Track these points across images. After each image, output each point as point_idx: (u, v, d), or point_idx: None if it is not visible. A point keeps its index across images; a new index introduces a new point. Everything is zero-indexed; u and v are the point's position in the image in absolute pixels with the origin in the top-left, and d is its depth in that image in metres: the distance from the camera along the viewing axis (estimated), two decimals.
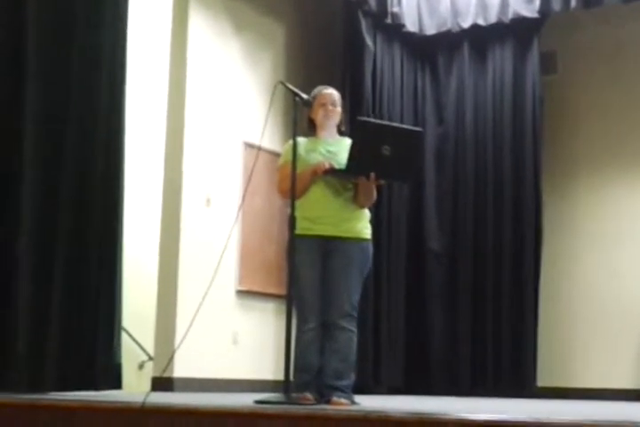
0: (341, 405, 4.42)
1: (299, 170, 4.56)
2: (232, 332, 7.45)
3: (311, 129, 4.83)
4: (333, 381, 4.56)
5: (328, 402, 4.49)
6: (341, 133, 4.85)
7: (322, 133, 4.81)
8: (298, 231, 4.55)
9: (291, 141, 4.74)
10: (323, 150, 4.73)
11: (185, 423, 3.54)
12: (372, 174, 4.52)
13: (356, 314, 4.67)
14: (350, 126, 4.90)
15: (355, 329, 4.66)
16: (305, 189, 4.62)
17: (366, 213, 4.79)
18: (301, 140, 4.71)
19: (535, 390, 8.06)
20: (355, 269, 4.66)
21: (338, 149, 4.72)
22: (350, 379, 4.62)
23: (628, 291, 8.42)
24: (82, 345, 5.01)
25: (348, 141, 4.67)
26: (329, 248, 4.66)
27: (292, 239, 4.51)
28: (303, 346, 4.57)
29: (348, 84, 8.09)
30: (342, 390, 4.55)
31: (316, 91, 4.85)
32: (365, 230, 4.74)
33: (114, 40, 5.32)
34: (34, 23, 4.95)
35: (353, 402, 4.56)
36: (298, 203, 4.58)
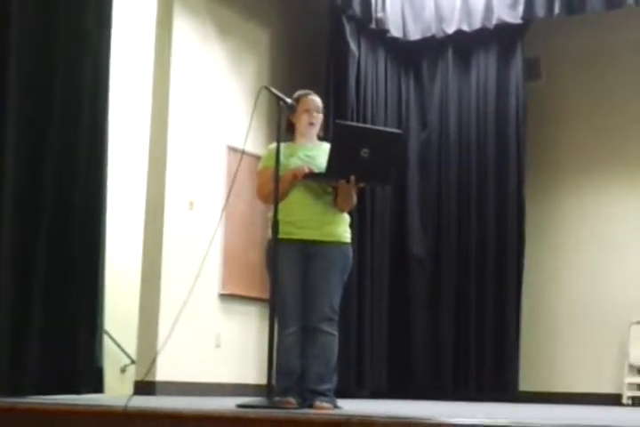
0: (324, 409, 4.42)
1: (279, 175, 4.56)
2: (215, 335, 7.44)
3: (290, 132, 4.83)
4: (315, 385, 4.56)
5: (311, 406, 4.49)
6: (320, 139, 4.86)
7: (301, 139, 4.81)
8: (279, 235, 4.54)
9: (270, 146, 4.78)
10: (302, 155, 4.73)
11: None
12: (352, 178, 4.52)
13: (336, 318, 4.67)
14: (329, 130, 4.90)
15: (336, 333, 4.66)
16: (285, 194, 4.62)
17: (346, 218, 4.79)
18: (281, 144, 4.70)
19: (517, 395, 8.08)
20: (335, 273, 4.66)
21: (316, 153, 4.73)
22: (332, 383, 4.62)
23: (611, 296, 8.46)
24: (63, 348, 4.99)
25: (326, 146, 4.68)
26: (310, 252, 4.66)
27: (275, 244, 4.51)
28: (284, 350, 4.58)
29: (332, 88, 8.10)
30: (325, 395, 4.55)
31: (297, 95, 4.84)
32: (346, 234, 4.75)
33: (98, 43, 5.31)
34: (15, 32, 4.93)
35: (335, 406, 4.56)
36: (279, 207, 4.58)
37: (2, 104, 4.85)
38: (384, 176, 4.73)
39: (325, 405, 4.49)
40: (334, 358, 4.64)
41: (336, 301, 4.66)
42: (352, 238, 4.82)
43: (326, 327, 4.61)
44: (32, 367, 4.85)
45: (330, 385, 4.60)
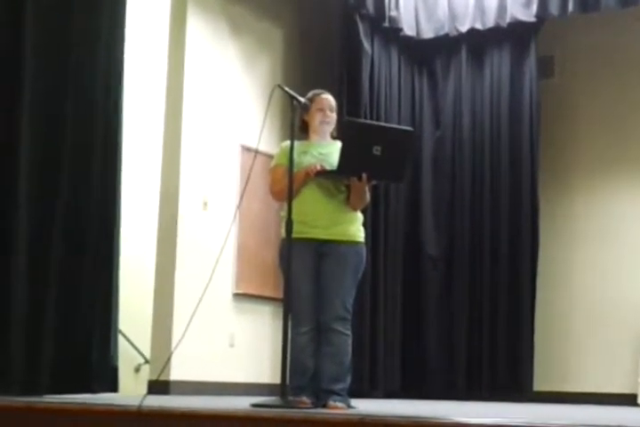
0: (338, 409, 4.42)
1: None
2: (229, 335, 7.44)
3: (303, 131, 4.83)
4: (329, 385, 4.56)
5: (324, 406, 4.49)
6: (334, 138, 4.86)
7: (315, 137, 4.81)
8: (292, 235, 4.53)
9: (283, 144, 4.80)
10: (315, 153, 4.74)
11: None
12: (364, 175, 4.52)
13: (350, 317, 4.66)
14: (340, 128, 4.90)
15: (349, 332, 4.65)
16: (297, 191, 4.61)
17: (359, 216, 4.79)
18: (294, 143, 4.70)
19: (532, 395, 8.06)
20: (349, 272, 4.66)
21: (329, 151, 4.73)
22: (346, 382, 4.62)
23: (625, 295, 8.43)
24: (78, 348, 5.00)
25: (339, 144, 4.68)
26: (323, 251, 4.66)
27: (290, 243, 4.50)
28: (298, 349, 4.58)
29: (346, 87, 8.09)
30: (338, 394, 4.55)
31: (311, 94, 4.85)
32: (359, 233, 4.74)
33: (111, 42, 5.31)
34: (31, 28, 4.94)
35: (349, 406, 4.56)
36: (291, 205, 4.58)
37: (16, 103, 4.86)
38: (397, 173, 4.72)
39: (339, 404, 4.48)
40: (348, 358, 4.64)
41: (349, 300, 4.65)
42: (366, 238, 4.81)
43: (339, 327, 4.60)
44: (47, 367, 4.86)
45: (344, 385, 4.59)
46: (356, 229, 4.74)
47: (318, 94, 4.84)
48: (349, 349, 4.65)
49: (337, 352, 4.60)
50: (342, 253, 4.66)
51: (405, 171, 4.70)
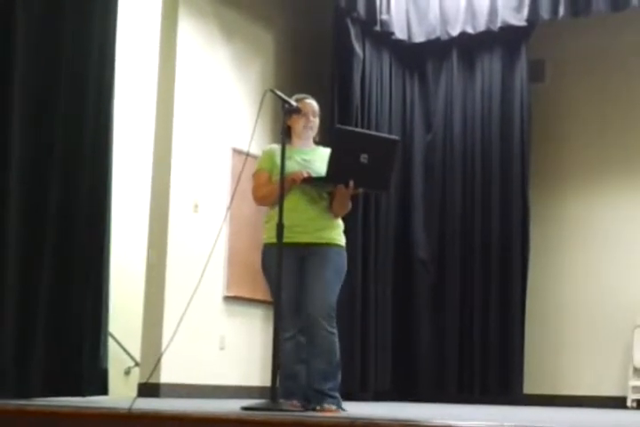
0: (331, 411, 4.43)
1: (275, 178, 4.57)
2: (219, 337, 7.44)
3: (286, 135, 4.82)
4: (319, 384, 4.55)
5: (315, 409, 4.49)
6: (316, 143, 4.86)
7: (298, 142, 4.81)
8: (272, 240, 4.51)
9: (265, 148, 4.83)
10: (298, 158, 4.73)
11: None
12: (351, 183, 4.52)
13: (334, 314, 4.64)
14: (330, 134, 4.90)
15: (334, 330, 4.63)
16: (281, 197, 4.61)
17: (340, 223, 4.79)
18: (276, 147, 4.69)
19: (522, 397, 8.08)
20: (330, 270, 4.64)
21: (313, 157, 4.74)
22: (336, 380, 4.61)
23: (615, 299, 8.45)
24: (68, 351, 5.00)
25: (322, 150, 4.70)
26: (305, 253, 4.66)
27: (280, 248, 4.48)
28: (284, 355, 4.56)
29: (337, 91, 8.11)
30: (330, 395, 4.55)
31: (294, 99, 4.83)
32: (339, 237, 4.74)
33: (103, 45, 5.32)
34: (23, 29, 4.94)
35: (340, 408, 4.56)
36: (273, 211, 4.58)
37: (7, 105, 4.86)
38: (382, 182, 4.73)
39: (330, 407, 4.48)
40: (336, 356, 4.61)
41: (333, 299, 4.63)
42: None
43: (325, 325, 4.57)
44: (37, 370, 4.86)
45: (334, 383, 4.58)
46: (336, 233, 4.74)
47: (301, 99, 4.83)
48: (336, 346, 4.63)
49: (324, 351, 4.58)
50: (324, 252, 4.65)
51: (391, 180, 4.72)
